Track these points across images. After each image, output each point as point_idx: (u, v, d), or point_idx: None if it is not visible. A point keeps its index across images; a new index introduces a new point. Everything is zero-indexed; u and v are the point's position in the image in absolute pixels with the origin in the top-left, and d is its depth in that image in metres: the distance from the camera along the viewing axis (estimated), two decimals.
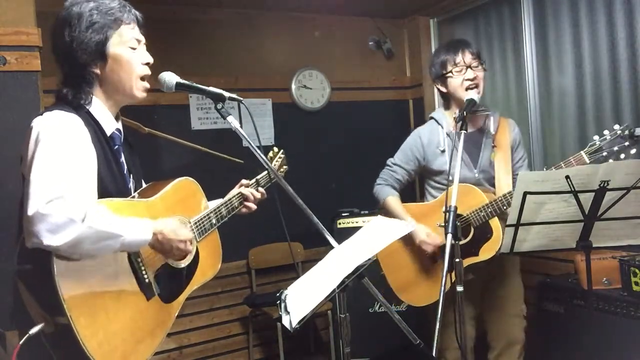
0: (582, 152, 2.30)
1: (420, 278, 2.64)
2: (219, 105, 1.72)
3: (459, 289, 2.04)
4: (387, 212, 2.70)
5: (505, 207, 2.39)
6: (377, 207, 2.87)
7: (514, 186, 2.17)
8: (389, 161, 2.79)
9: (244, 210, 2.05)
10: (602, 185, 1.91)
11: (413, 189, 3.95)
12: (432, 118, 2.75)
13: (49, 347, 1.41)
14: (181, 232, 1.63)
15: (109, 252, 1.46)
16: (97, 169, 1.53)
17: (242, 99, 1.75)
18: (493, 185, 2.57)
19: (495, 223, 2.44)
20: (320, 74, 4.28)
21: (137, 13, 1.68)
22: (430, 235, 2.53)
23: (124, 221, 1.47)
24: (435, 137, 2.67)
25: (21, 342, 1.38)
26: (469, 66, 2.52)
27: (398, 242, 2.62)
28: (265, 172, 2.14)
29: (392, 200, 2.71)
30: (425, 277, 2.63)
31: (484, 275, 2.62)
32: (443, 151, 2.63)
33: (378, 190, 2.77)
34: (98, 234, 1.38)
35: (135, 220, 1.52)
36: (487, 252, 2.45)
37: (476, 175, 2.58)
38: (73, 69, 1.58)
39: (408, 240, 2.60)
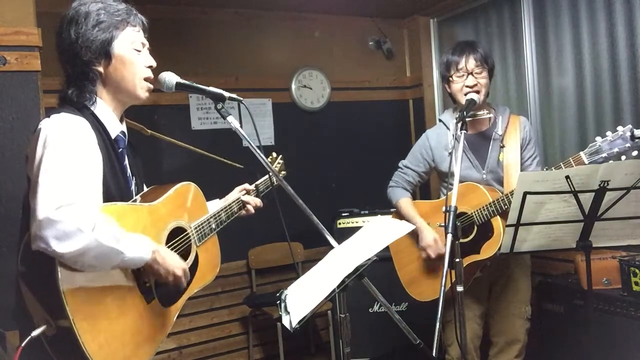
0: (581, 153, 2.28)
1: (427, 274, 2.68)
2: (219, 105, 1.71)
3: (459, 288, 2.05)
4: (400, 214, 2.77)
5: (506, 207, 2.38)
6: (391, 208, 2.92)
7: None
8: (401, 163, 2.85)
9: (243, 212, 2.10)
10: (602, 185, 1.91)
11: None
12: (440, 121, 2.78)
13: (49, 350, 1.41)
14: (177, 261, 1.62)
15: (107, 267, 1.44)
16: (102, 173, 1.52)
17: (242, 99, 1.75)
18: (502, 185, 2.57)
19: (497, 222, 2.45)
20: (320, 74, 4.28)
21: (143, 18, 1.68)
22: (437, 241, 2.57)
23: (127, 238, 1.46)
24: (443, 139, 2.69)
25: (23, 344, 1.38)
26: (470, 73, 2.52)
27: (411, 238, 2.70)
28: (265, 177, 2.15)
29: (404, 202, 2.76)
30: (432, 274, 2.66)
31: (492, 274, 2.64)
32: (451, 154, 2.62)
33: (390, 193, 2.83)
34: (102, 248, 1.37)
35: (138, 239, 1.51)
36: (488, 250, 2.46)
37: (484, 176, 2.58)
38: (76, 67, 1.58)
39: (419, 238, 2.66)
